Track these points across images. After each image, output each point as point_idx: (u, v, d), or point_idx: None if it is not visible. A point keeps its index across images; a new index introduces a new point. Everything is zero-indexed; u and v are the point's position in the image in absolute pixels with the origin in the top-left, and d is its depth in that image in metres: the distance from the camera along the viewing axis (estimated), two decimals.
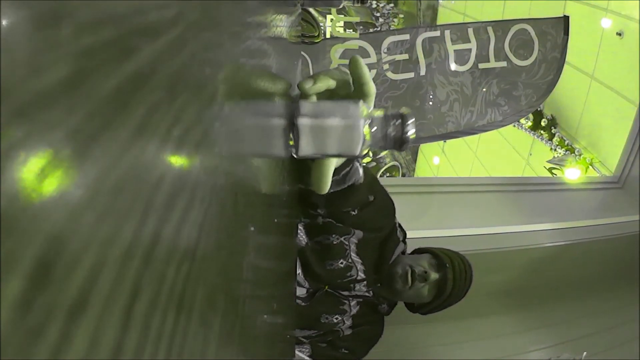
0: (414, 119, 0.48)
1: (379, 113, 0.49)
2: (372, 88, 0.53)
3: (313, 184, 0.60)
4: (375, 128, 0.48)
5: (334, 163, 0.61)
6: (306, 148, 0.49)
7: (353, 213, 0.94)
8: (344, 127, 0.48)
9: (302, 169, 0.73)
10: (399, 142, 0.49)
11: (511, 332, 1.93)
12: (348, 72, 0.54)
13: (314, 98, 0.53)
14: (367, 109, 0.49)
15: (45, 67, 0.07)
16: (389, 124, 0.48)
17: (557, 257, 2.02)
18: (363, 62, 0.52)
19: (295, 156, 0.51)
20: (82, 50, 0.08)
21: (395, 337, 1.58)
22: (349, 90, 0.54)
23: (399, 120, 0.48)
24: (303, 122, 0.48)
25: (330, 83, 0.53)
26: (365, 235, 1.00)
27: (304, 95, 0.52)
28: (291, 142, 0.49)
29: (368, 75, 0.53)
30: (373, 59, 1.81)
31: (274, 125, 0.39)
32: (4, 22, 0.06)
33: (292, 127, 0.48)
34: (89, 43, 0.09)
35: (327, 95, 0.54)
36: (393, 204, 1.03)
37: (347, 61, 0.57)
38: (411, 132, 0.48)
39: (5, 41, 0.06)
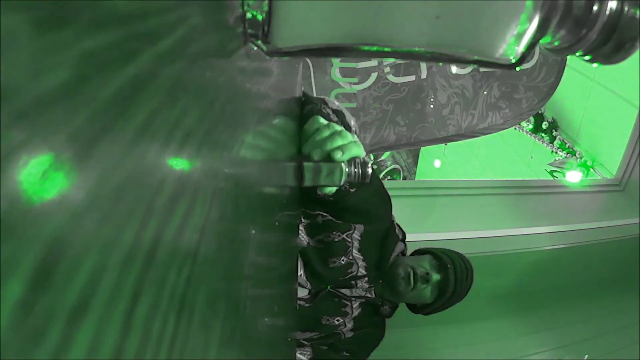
0: (370, 163, 0.72)
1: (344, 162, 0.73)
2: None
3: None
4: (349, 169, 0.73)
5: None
6: (308, 182, 0.71)
7: (352, 190, 0.93)
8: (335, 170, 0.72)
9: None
10: (364, 178, 0.72)
11: (513, 335, 1.92)
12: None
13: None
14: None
15: (47, 70, 0.07)
16: (354, 165, 0.73)
17: (558, 260, 2.02)
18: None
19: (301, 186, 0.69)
20: (83, 53, 0.08)
21: (396, 340, 1.57)
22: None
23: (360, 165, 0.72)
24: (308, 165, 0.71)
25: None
26: (366, 229, 1.00)
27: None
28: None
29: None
30: (374, 62, 1.81)
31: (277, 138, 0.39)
32: (5, 24, 0.06)
33: (298, 167, 0.70)
34: (90, 46, 0.09)
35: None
36: (389, 196, 1.03)
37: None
38: (368, 172, 0.72)
39: (7, 44, 0.06)
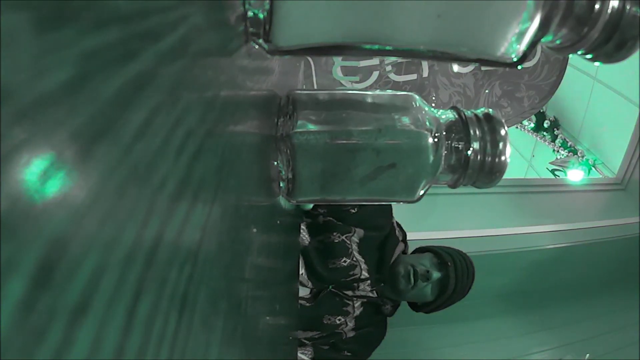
0: (506, 128, 0.29)
1: (449, 115, 0.28)
2: None
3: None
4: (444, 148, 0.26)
5: None
6: (308, 192, 0.29)
7: (353, 211, 0.95)
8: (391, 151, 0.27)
9: None
10: (491, 171, 0.27)
11: (514, 334, 1.92)
12: None
13: None
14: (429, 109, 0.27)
15: (48, 69, 0.07)
16: (475, 136, 0.26)
17: (559, 259, 2.02)
18: None
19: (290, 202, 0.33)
20: (84, 52, 0.08)
21: (397, 339, 1.58)
22: None
23: (486, 129, 0.27)
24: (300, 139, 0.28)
25: None
26: (366, 234, 1.01)
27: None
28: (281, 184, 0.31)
29: None
30: (375, 60, 1.81)
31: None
32: (5, 24, 0.06)
33: (283, 153, 0.29)
34: (92, 45, 0.09)
35: None
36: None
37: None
38: (507, 152, 0.28)
39: (8, 43, 0.06)
